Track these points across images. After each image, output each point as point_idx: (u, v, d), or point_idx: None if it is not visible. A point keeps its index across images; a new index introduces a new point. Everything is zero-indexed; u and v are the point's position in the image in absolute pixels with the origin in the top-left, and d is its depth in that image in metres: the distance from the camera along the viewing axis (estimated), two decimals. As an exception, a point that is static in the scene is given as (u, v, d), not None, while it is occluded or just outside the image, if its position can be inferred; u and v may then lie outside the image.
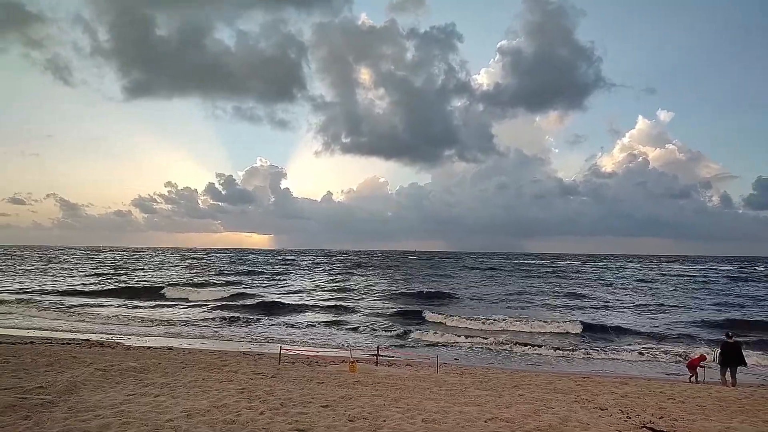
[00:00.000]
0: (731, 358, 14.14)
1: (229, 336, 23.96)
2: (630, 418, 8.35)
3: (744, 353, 14.62)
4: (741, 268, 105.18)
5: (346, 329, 26.39)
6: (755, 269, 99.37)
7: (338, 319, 29.57)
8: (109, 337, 22.26)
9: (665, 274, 76.00)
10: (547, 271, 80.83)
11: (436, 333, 24.37)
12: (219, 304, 36.04)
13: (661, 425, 7.85)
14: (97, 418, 6.77)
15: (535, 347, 21.28)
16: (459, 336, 23.67)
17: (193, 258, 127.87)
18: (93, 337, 21.75)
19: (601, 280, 61.64)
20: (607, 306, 35.75)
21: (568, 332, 24.93)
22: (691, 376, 15.33)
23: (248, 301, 36.98)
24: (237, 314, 30.42)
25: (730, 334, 15.01)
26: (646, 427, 7.64)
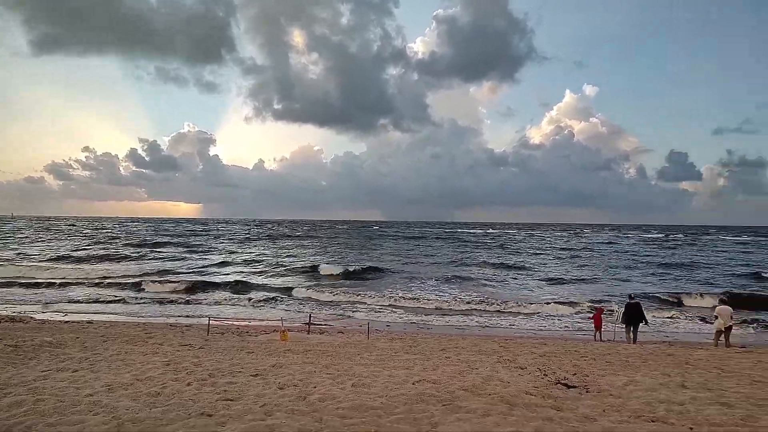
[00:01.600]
0: (633, 317, 15.78)
1: (138, 312, 23.15)
2: (546, 375, 9.05)
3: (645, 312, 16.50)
4: (660, 235, 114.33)
5: (257, 302, 26.04)
6: (670, 237, 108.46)
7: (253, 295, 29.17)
8: (21, 312, 20.83)
9: (590, 243, 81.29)
10: (482, 241, 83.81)
11: (364, 304, 24.85)
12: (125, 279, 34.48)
13: (573, 381, 8.58)
14: (8, 396, 6.45)
15: (463, 314, 22.27)
16: (389, 307, 24.24)
17: (105, 228, 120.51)
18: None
19: (531, 249, 64.65)
20: (537, 274, 37.64)
21: (496, 300, 26.19)
22: (596, 334, 16.72)
23: (162, 276, 35.60)
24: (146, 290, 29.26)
25: (632, 295, 16.93)
26: (561, 383, 8.34)
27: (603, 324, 16.96)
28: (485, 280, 33.45)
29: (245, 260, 44.73)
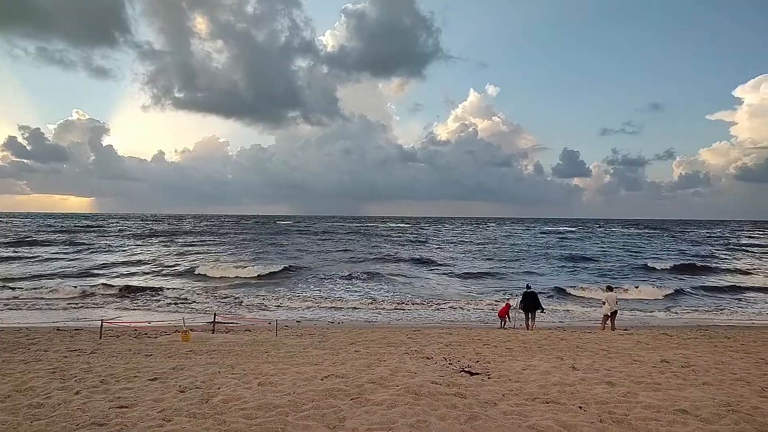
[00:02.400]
0: (530, 305, 17.10)
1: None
2: (452, 364, 9.41)
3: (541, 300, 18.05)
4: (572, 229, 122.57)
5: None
6: (572, 231, 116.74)
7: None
8: None
9: (495, 235, 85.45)
10: (394, 235, 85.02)
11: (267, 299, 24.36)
12: None
13: (476, 368, 8.98)
14: None
15: (374, 307, 22.50)
16: (301, 305, 23.92)
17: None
18: None
19: (442, 242, 66.63)
20: (448, 268, 38.66)
21: (408, 293, 26.74)
22: (502, 324, 17.67)
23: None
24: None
25: (529, 285, 18.30)
26: (464, 371, 8.69)
27: (507, 315, 17.92)
28: (399, 275, 33.62)
29: (140, 260, 41.77)
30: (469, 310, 22.14)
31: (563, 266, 40.05)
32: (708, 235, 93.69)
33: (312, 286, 27.62)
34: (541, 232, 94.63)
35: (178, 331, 14.76)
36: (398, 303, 23.26)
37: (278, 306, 22.88)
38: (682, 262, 40.75)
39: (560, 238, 75.33)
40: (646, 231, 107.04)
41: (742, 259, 46.77)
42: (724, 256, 48.46)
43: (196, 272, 33.63)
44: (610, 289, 17.37)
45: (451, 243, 64.46)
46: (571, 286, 27.99)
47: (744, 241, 74.98)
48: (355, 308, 22.20)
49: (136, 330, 16.29)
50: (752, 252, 54.87)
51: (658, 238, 79.52)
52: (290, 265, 37.25)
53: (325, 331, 16.16)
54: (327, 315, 21.05)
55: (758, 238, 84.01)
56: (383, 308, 22.22)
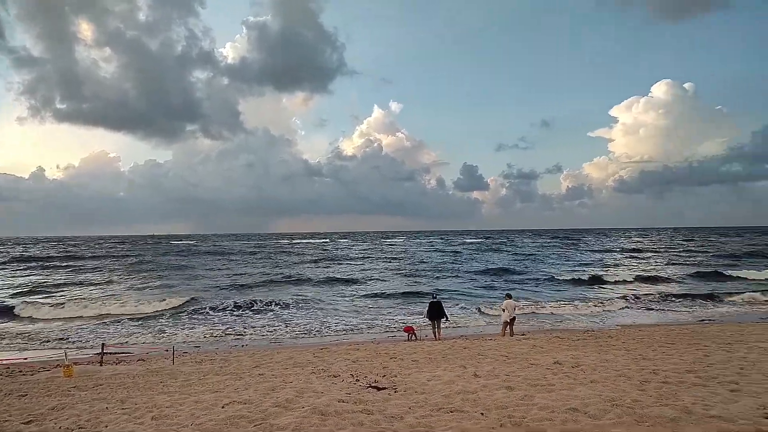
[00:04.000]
0: (436, 314, 17.84)
1: None
2: (359, 380, 9.42)
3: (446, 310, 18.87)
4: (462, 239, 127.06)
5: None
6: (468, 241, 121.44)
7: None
8: None
9: (406, 249, 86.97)
10: (304, 252, 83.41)
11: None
12: None
13: (383, 383, 9.06)
14: None
15: (282, 328, 21.95)
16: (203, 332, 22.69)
17: None
18: None
19: (356, 258, 65.79)
20: (364, 287, 38.03)
21: (319, 309, 26.34)
22: (409, 337, 18.02)
23: None
24: None
25: (435, 294, 19.07)
26: (371, 386, 8.74)
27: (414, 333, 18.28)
28: (309, 294, 31.66)
29: (11, 284, 37.54)
30: (377, 325, 22.26)
31: (479, 277, 40.94)
32: (606, 242, 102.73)
33: (212, 311, 26.01)
34: (450, 245, 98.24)
35: (60, 366, 13.41)
36: (306, 324, 22.82)
37: (174, 334, 21.44)
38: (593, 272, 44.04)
39: (473, 250, 77.96)
40: (555, 241, 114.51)
41: (636, 266, 51.72)
42: (621, 263, 53.32)
43: (88, 300, 30.66)
44: (509, 296, 18.36)
45: (363, 259, 64.27)
46: (480, 296, 29.36)
47: (635, 246, 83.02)
48: (261, 330, 21.45)
49: (7, 367, 14.54)
50: (641, 258, 60.94)
51: (567, 248, 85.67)
52: (191, 296, 35.02)
53: (227, 356, 15.47)
54: (230, 340, 20.15)
55: (643, 243, 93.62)
56: (291, 330, 21.66)
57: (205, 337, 20.20)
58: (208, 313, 24.98)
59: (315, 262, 58.98)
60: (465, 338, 17.32)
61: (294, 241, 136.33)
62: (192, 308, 25.83)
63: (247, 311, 25.54)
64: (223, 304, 26.80)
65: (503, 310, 17.74)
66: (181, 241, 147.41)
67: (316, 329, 21.25)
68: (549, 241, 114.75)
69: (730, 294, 28.71)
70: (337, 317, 23.81)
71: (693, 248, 74.47)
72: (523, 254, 67.44)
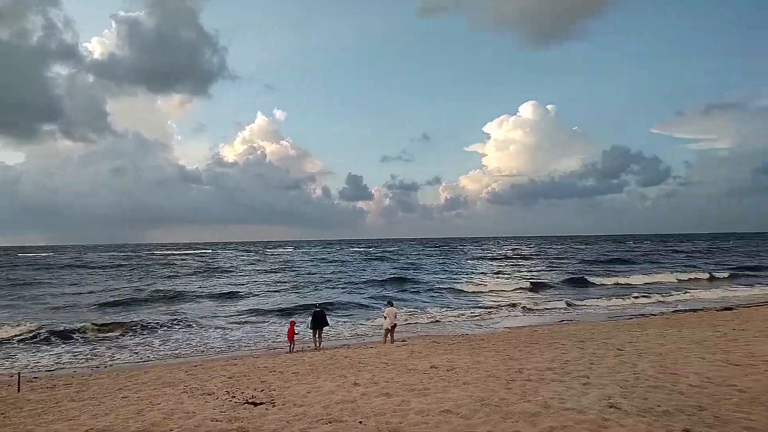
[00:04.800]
0: (318, 322, 18.00)
1: None
2: (235, 397, 9.09)
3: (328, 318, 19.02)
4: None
5: None
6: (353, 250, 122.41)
7: None
8: None
9: (294, 260, 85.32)
10: (183, 264, 78.10)
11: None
12: None
13: (261, 397, 8.83)
14: None
15: (147, 346, 20.37)
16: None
17: None
18: None
19: (238, 270, 62.48)
20: (248, 300, 36.26)
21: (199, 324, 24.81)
22: (290, 346, 17.74)
23: None
24: None
25: (318, 304, 18.97)
26: (248, 402, 8.47)
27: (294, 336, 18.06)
28: (188, 317, 28.59)
29: None
30: (260, 339, 21.44)
31: (368, 288, 40.17)
32: (481, 250, 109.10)
33: (69, 334, 23.15)
34: (337, 254, 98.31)
35: None
36: (181, 341, 21.37)
37: (19, 361, 18.90)
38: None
39: (360, 260, 78.15)
40: (436, 249, 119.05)
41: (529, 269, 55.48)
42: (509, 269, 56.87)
43: None
44: (390, 304, 18.81)
45: (246, 270, 61.13)
46: (364, 305, 29.66)
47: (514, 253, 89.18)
48: (129, 350, 19.67)
49: None
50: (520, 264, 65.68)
51: (448, 256, 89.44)
52: (42, 317, 31.26)
53: (86, 379, 14.00)
54: (91, 363, 18.21)
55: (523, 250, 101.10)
56: (163, 348, 20.11)
57: (59, 361, 18.10)
58: (63, 334, 22.25)
59: (193, 274, 55.18)
60: (348, 347, 17.42)
61: (170, 252, 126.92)
62: (44, 330, 22.82)
63: (113, 332, 23.20)
64: (82, 324, 23.97)
65: (384, 318, 18.14)
66: (32, 253, 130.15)
67: (192, 347, 19.93)
68: (430, 249, 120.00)
69: (589, 298, 32.07)
70: (216, 333, 22.54)
71: (560, 255, 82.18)
72: (408, 263, 69.56)
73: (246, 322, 24.91)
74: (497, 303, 30.12)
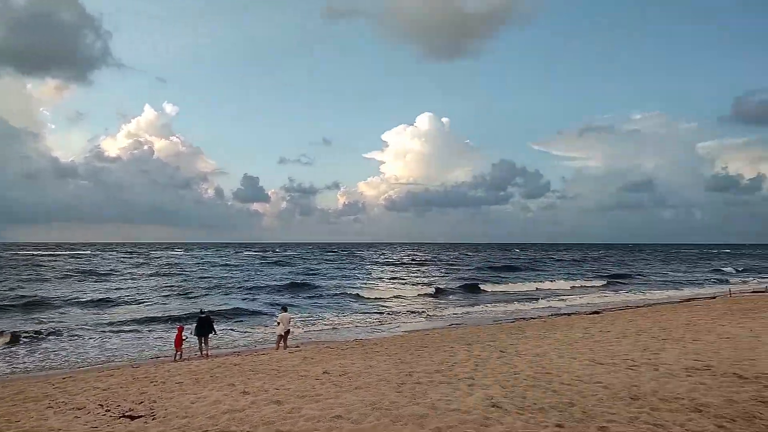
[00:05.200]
0: (204, 329, 17.41)
1: None
2: (110, 410, 8.47)
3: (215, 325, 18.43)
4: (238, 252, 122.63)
5: None
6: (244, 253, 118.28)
7: None
8: None
9: (181, 263, 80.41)
10: (57, 267, 70.41)
11: None
12: None
13: (140, 410, 8.28)
14: None
15: (6, 360, 18.21)
16: None
17: None
18: None
19: (120, 274, 57.53)
20: (123, 304, 33.35)
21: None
22: (176, 354, 16.80)
23: None
24: None
25: (203, 310, 19.26)
26: (125, 416, 7.92)
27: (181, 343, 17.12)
28: (60, 326, 25.20)
29: None
30: (144, 348, 19.95)
31: (265, 294, 38.74)
32: (379, 255, 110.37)
33: None
34: (231, 258, 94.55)
35: None
36: (50, 352, 19.32)
37: None
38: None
39: (256, 264, 75.40)
40: (334, 254, 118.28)
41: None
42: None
43: None
44: (284, 309, 18.48)
45: (129, 274, 55.93)
46: (257, 311, 28.72)
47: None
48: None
49: None
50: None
51: (347, 260, 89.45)
52: None
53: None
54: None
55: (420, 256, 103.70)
56: (26, 361, 18.03)
57: None
58: None
59: (65, 278, 49.65)
60: (238, 354, 16.82)
61: (38, 253, 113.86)
62: None
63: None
64: None
65: (278, 324, 17.79)
66: None
67: (63, 357, 18.05)
68: (328, 254, 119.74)
69: (480, 303, 33.76)
70: (91, 343, 20.59)
71: (453, 262, 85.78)
72: (306, 267, 68.70)
73: (127, 330, 23.07)
74: (394, 308, 30.79)
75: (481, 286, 44.37)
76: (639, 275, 58.72)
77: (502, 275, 58.16)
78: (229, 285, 44.26)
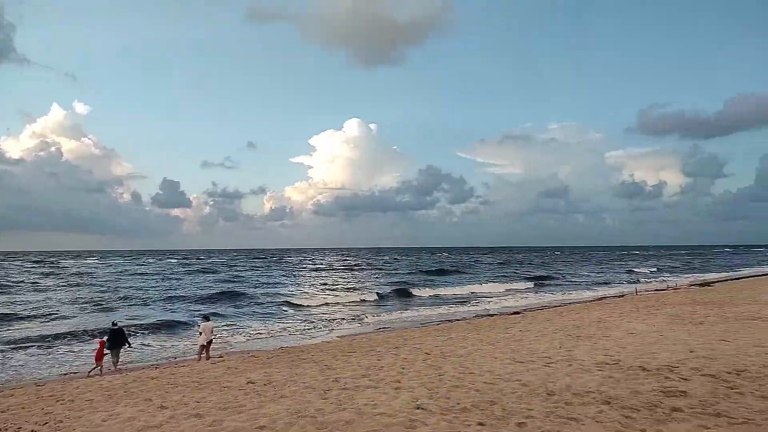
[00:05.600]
0: (116, 342, 16.69)
1: None
2: (8, 434, 7.74)
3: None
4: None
5: None
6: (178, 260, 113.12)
7: None
8: None
9: (90, 271, 75.24)
10: None
11: None
12: None
13: (44, 431, 7.66)
14: None
15: None
16: None
17: None
18: None
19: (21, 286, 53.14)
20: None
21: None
22: (95, 369, 15.85)
23: None
24: None
25: (116, 322, 18.17)
26: (26, 439, 7.29)
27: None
28: None
29: None
30: (49, 361, 18.53)
31: (191, 305, 36.42)
32: (308, 261, 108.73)
33: None
34: (152, 266, 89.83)
35: None
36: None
37: None
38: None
39: (179, 272, 71.56)
40: (261, 261, 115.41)
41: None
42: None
43: None
44: (206, 318, 17.85)
45: (34, 286, 51.37)
46: (176, 322, 27.42)
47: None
48: None
49: None
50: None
51: (275, 267, 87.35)
52: None
53: None
54: None
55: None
56: None
57: None
58: None
59: None
60: (156, 367, 16.04)
61: None
62: None
63: None
64: None
65: (200, 333, 17.16)
66: None
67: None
68: (255, 260, 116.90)
69: (411, 307, 34.18)
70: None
71: (383, 267, 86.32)
72: (232, 275, 66.42)
73: (32, 346, 21.35)
74: (324, 314, 30.51)
75: (413, 290, 44.91)
76: (560, 276, 61.91)
77: (434, 279, 59.35)
78: (148, 295, 41.94)
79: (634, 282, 50.91)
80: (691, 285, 41.30)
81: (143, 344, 20.99)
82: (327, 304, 36.41)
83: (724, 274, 59.45)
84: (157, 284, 52.72)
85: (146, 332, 23.84)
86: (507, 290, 45.93)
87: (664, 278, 56.13)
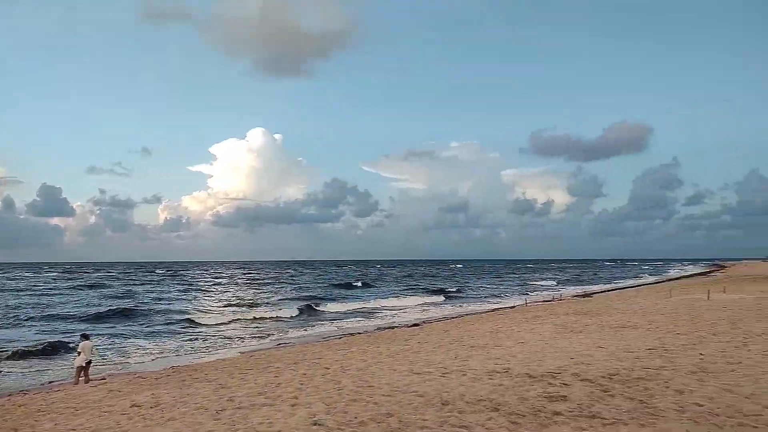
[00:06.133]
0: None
1: None
2: None
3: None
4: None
5: None
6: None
7: None
8: None
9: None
10: None
11: None
12: None
13: None
14: None
15: None
16: None
17: None
18: None
19: None
20: None
21: None
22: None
23: None
24: None
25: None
26: None
27: None
28: None
29: None
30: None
31: (73, 324, 32.74)
32: (207, 274, 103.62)
33: None
34: (27, 281, 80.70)
35: None
36: None
37: None
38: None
39: (60, 288, 65.15)
40: (154, 275, 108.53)
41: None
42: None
43: None
44: (86, 337, 16.51)
45: None
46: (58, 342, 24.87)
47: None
48: None
49: None
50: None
51: (172, 281, 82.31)
52: None
53: None
54: None
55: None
56: None
57: None
58: None
59: None
60: (25, 393, 14.48)
61: None
62: None
63: None
64: None
65: (78, 354, 15.79)
66: None
67: None
68: (150, 274, 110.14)
69: (317, 322, 33.76)
70: None
71: (289, 280, 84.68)
72: (124, 290, 61.37)
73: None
74: (224, 331, 29.24)
75: (318, 304, 44.19)
76: (460, 288, 64.33)
77: (340, 292, 59.28)
78: (22, 314, 37.69)
79: (525, 294, 54.20)
80: (574, 296, 44.72)
81: (9, 371, 18.86)
82: (225, 320, 34.91)
83: (602, 286, 65.32)
84: (32, 301, 47.57)
85: (14, 357, 21.38)
86: (412, 303, 46.77)
87: (553, 290, 60.46)
